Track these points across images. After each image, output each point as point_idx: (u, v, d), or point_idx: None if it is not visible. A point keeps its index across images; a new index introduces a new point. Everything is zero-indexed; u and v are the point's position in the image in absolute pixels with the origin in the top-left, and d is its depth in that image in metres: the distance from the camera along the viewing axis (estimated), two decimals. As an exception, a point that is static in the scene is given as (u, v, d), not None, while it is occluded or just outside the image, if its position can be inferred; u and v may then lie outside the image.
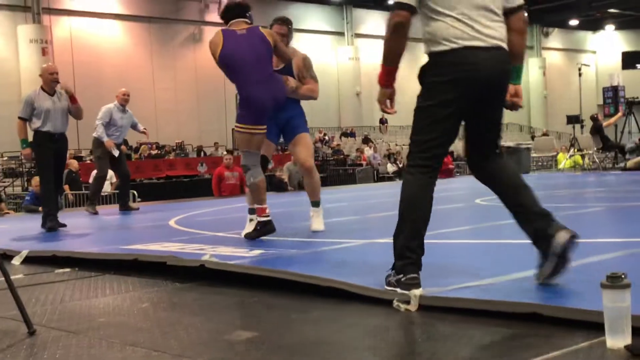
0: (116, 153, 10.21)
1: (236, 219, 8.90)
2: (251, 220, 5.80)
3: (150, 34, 28.26)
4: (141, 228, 8.04)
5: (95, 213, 10.02)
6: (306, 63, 6.04)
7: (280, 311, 3.36)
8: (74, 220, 8.93)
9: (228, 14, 5.71)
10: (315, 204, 6.09)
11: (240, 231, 5.89)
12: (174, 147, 24.74)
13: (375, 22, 33.38)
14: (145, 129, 10.95)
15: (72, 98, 8.08)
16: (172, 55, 28.61)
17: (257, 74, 5.43)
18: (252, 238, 5.52)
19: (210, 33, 29.00)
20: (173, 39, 28.68)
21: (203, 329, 3.04)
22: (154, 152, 22.89)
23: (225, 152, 20.49)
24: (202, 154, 24.74)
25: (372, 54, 32.95)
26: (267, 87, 5.45)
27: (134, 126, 10.76)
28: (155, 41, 28.30)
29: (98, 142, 10.20)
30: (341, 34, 32.85)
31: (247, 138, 5.52)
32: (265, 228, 5.51)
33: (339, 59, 32.67)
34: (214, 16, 29.14)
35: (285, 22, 6.22)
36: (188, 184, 19.16)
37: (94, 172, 11.13)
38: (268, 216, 5.51)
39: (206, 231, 6.67)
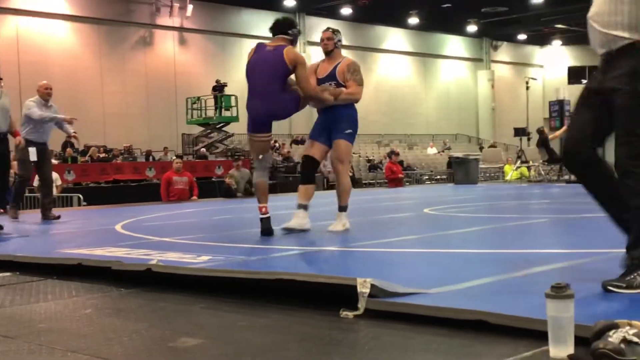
0: (33, 157, 9.16)
1: (184, 224, 8.81)
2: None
3: (100, 36, 27.87)
4: (86, 232, 7.90)
5: (16, 218, 9.34)
6: (350, 68, 6.43)
7: (227, 318, 3.32)
8: (16, 224, 8.72)
9: (272, 30, 6.22)
10: (342, 208, 6.47)
11: (186, 237, 5.83)
12: (122, 151, 24.41)
13: (327, 30, 33.58)
14: (75, 133, 9.80)
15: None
16: (122, 58, 28.25)
17: (259, 87, 5.96)
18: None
19: (161, 36, 28.90)
20: (123, 41, 28.32)
21: (148, 336, 2.99)
22: (101, 155, 22.55)
23: (174, 157, 20.28)
24: (151, 158, 24.47)
25: (325, 62, 33.11)
26: (264, 104, 5.94)
27: (60, 126, 9.56)
28: (104, 43, 27.91)
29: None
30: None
31: (249, 143, 6.34)
32: (262, 224, 6.03)
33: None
34: (165, 19, 28.93)
35: (330, 29, 6.70)
36: (136, 189, 18.90)
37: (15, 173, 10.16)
38: (265, 214, 6.02)
39: (153, 236, 6.58)
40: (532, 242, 5.65)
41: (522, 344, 2.51)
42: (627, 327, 2.27)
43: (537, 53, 42.77)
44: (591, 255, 4.51)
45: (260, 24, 31.87)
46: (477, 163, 19.51)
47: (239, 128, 27.62)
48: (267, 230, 6.03)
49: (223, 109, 26.65)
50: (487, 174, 24.12)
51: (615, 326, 2.29)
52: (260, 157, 6.24)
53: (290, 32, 6.18)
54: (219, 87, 26.63)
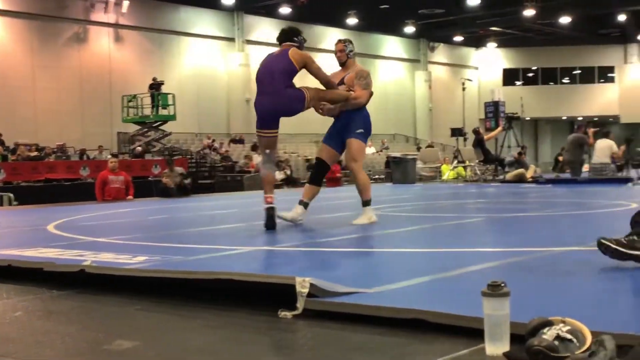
0: None
1: (120, 224, 8.65)
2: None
3: (32, 32, 27.13)
4: (17, 232, 7.68)
5: None
6: (357, 74, 6.85)
7: (163, 319, 3.26)
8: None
9: (278, 39, 6.67)
10: (365, 203, 6.77)
11: (121, 237, 5.72)
12: (55, 150, 23.82)
13: (266, 29, 33.38)
14: None
15: None
16: (55, 55, 27.57)
17: (266, 86, 6.38)
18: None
19: (96, 33, 28.35)
20: (56, 37, 27.65)
21: (81, 338, 2.91)
22: (32, 153, 21.95)
23: (109, 156, 19.92)
24: (85, 157, 23.97)
25: (263, 61, 32.98)
26: (270, 99, 6.35)
27: None
28: (36, 39, 27.19)
29: None
30: (231, 39, 32.64)
31: (257, 139, 6.77)
32: (267, 213, 6.38)
33: (229, 64, 32.43)
34: (100, 15, 28.37)
35: (341, 40, 7.05)
36: (69, 188, 18.50)
37: None
38: (270, 204, 6.40)
39: (87, 237, 6.44)
40: (468, 241, 5.73)
41: (459, 342, 2.53)
42: (561, 324, 2.31)
43: (473, 55, 43.50)
44: (526, 253, 4.59)
45: (199, 21, 31.58)
46: (415, 163, 19.72)
47: (177, 127, 27.33)
48: (270, 219, 6.38)
49: (160, 108, 26.30)
50: (425, 174, 24.38)
51: (550, 323, 2.33)
52: (268, 151, 6.66)
53: (295, 39, 6.61)
54: (155, 85, 26.26)
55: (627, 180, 14.53)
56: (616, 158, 16.09)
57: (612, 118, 41.22)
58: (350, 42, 7.06)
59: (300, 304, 3.06)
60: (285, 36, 6.63)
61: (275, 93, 6.33)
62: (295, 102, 6.42)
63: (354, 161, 6.77)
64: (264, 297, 3.28)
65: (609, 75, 42.59)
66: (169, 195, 14.68)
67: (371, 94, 6.98)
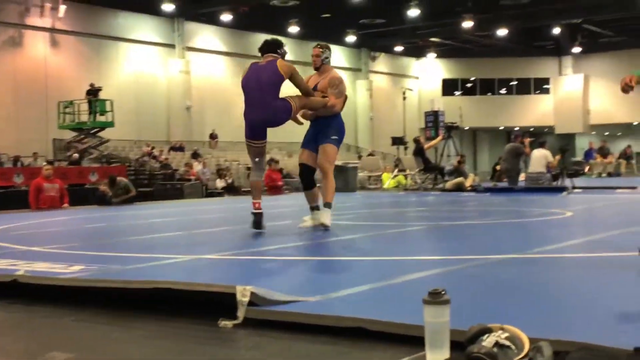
0: None
1: (55, 233, 8.45)
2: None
3: (-36, 35, 26.39)
4: (-53, 242, 7.42)
5: None
6: (331, 82, 7.10)
7: (100, 330, 3.19)
8: None
9: (261, 50, 6.89)
10: (326, 205, 7.00)
11: (56, 246, 5.58)
12: (-12, 156, 23.19)
13: (207, 36, 33.17)
14: None
15: None
16: (-11, 59, 26.84)
17: (254, 98, 6.60)
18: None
19: (32, 37, 27.73)
20: (-10, 41, 26.93)
21: (13, 350, 2.82)
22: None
23: (45, 163, 19.46)
24: (20, 164, 23.37)
25: (204, 68, 32.71)
26: (259, 110, 6.57)
27: None
28: (-31, 43, 26.45)
29: None
30: (172, 46, 32.31)
31: (247, 148, 6.93)
32: (254, 217, 6.64)
33: (169, 71, 32.09)
34: (35, 20, 27.74)
35: (319, 45, 7.32)
36: (2, 196, 17.99)
37: None
38: (258, 210, 6.66)
39: (21, 246, 6.26)
40: (409, 249, 5.77)
41: (400, 349, 2.53)
42: (500, 331, 2.34)
43: (413, 64, 44.01)
44: (466, 261, 4.65)
45: (138, 27, 31.18)
46: (356, 171, 19.82)
47: (115, 134, 26.86)
48: (258, 224, 6.65)
49: (98, 114, 25.82)
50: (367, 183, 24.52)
51: (489, 330, 2.35)
52: (257, 159, 6.92)
53: (278, 51, 6.84)
54: (93, 91, 25.77)
55: (561, 189, 14.87)
56: (551, 167, 16.46)
57: (548, 128, 42.18)
58: (328, 47, 7.33)
59: (240, 313, 3.02)
60: (268, 47, 6.86)
61: (265, 105, 6.56)
62: (283, 113, 6.68)
63: (328, 162, 7.08)
64: (204, 306, 3.23)
65: (545, 86, 43.62)
66: (107, 203, 14.41)
67: (346, 98, 7.34)
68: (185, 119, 31.82)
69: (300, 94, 6.92)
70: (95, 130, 26.23)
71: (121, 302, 3.53)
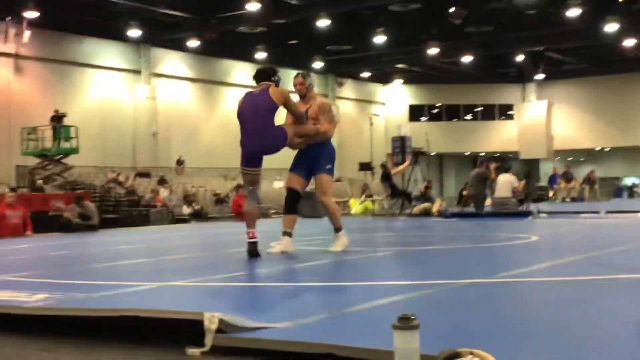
0: None
1: (18, 260, 8.30)
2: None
3: None
4: None
5: None
6: (321, 108, 7.22)
7: (65, 359, 3.12)
8: None
9: (255, 78, 7.00)
10: (337, 230, 7.27)
11: (20, 274, 5.48)
12: (-50, 183, 22.77)
13: (173, 62, 33.06)
14: None
15: None
16: (-49, 84, 26.48)
17: (251, 126, 6.67)
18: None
19: (-3, 63, 27.32)
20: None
21: (-26, 383, 2.74)
22: None
23: (7, 190, 19.15)
24: (-18, 191, 22.97)
25: (170, 94, 32.58)
26: (257, 138, 6.65)
27: None
28: None
29: None
30: (138, 72, 32.16)
31: (242, 176, 7.08)
32: (249, 247, 6.72)
33: (135, 97, 31.89)
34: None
35: (300, 74, 7.43)
36: (-36, 223, 17.64)
37: None
38: (253, 239, 6.73)
39: (-17, 274, 6.12)
40: (378, 274, 5.76)
41: (370, 375, 2.51)
42: (470, 356, 2.34)
43: (380, 91, 44.32)
44: (435, 286, 4.65)
45: (103, 53, 31.00)
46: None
47: (80, 160, 26.57)
48: (253, 252, 6.73)
49: (62, 140, 25.54)
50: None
51: (459, 355, 2.35)
52: (251, 188, 6.99)
53: (272, 79, 6.91)
54: (57, 117, 25.51)
55: (527, 213, 15.03)
56: (517, 193, 16.63)
57: (512, 154, 42.68)
58: (309, 74, 7.52)
59: (208, 340, 2.98)
60: (262, 76, 6.95)
61: (263, 133, 6.65)
62: (280, 141, 6.76)
63: (325, 195, 7.22)
64: (171, 334, 3.19)
65: (509, 112, 44.18)
66: (71, 230, 14.21)
67: (336, 123, 7.47)
68: (151, 145, 31.60)
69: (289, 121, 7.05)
70: (60, 156, 25.93)
71: (87, 330, 3.47)
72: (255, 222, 6.93)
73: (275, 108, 6.71)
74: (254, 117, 6.68)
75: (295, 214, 7.34)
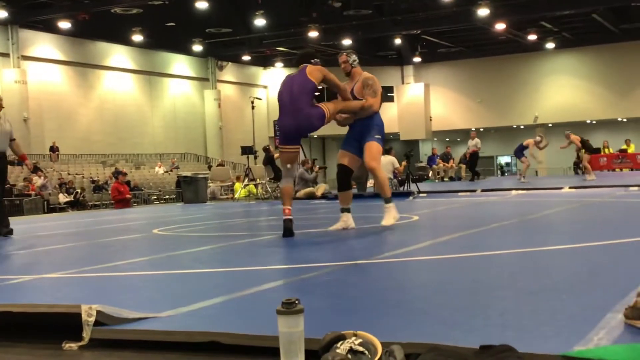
0: None
1: None
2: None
3: None
4: None
5: None
6: (364, 83, 7.31)
7: None
8: None
9: (297, 62, 7.20)
10: (387, 200, 7.29)
11: None
12: None
13: (45, 44, 31.71)
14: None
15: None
16: None
17: (288, 106, 6.91)
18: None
19: None
20: None
21: None
22: None
23: None
24: None
25: (41, 78, 31.23)
26: (293, 117, 6.86)
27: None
28: None
29: None
30: (6, 55, 30.63)
31: (279, 155, 7.37)
32: (285, 224, 6.89)
33: (4, 81, 30.36)
34: None
35: (344, 52, 7.55)
36: None
37: None
38: (288, 216, 6.89)
39: None
40: (260, 259, 5.74)
41: (256, 361, 2.50)
42: (353, 338, 2.36)
43: (261, 74, 44.20)
44: (317, 269, 4.68)
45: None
46: (206, 182, 19.61)
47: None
48: (287, 230, 6.87)
49: None
50: (218, 193, 24.33)
51: (342, 337, 2.37)
52: (288, 166, 7.14)
53: (312, 61, 7.11)
54: None
55: (408, 194, 15.42)
56: (398, 173, 17.00)
57: (393, 135, 43.67)
58: (353, 51, 7.57)
59: (86, 334, 2.88)
60: (302, 59, 7.20)
61: (298, 112, 6.84)
62: (316, 120, 6.91)
63: (374, 160, 7.27)
64: (48, 329, 3.05)
65: (389, 94, 45.10)
66: None
67: (381, 95, 7.53)
68: (22, 131, 30.21)
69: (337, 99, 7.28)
70: None
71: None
72: (291, 199, 7.12)
73: (313, 87, 6.94)
74: (290, 98, 6.90)
75: (350, 189, 7.53)
